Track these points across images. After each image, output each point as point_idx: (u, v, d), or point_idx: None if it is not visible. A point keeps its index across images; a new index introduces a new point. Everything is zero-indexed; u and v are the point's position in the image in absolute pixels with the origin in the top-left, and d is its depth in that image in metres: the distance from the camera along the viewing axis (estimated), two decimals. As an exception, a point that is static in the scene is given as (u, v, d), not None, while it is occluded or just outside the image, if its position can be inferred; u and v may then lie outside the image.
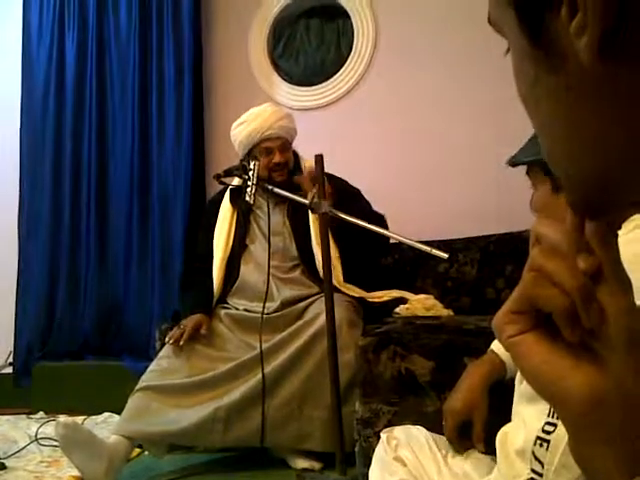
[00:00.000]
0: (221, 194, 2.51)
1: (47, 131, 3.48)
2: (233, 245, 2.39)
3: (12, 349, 3.12)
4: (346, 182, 2.46)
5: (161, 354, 2.23)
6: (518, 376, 0.92)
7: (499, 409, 0.99)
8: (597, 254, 0.35)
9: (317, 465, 2.05)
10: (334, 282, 2.18)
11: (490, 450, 1.01)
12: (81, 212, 3.43)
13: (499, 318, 0.39)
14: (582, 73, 0.29)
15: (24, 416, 2.96)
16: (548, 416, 0.78)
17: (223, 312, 2.31)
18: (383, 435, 1.11)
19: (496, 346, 1.14)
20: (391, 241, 2.22)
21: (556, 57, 0.30)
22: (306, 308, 2.23)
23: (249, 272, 2.35)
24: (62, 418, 1.92)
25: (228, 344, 2.24)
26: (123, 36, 3.46)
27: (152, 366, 2.21)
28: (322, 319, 1.97)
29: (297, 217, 2.32)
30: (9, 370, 3.00)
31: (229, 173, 2.22)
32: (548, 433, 0.77)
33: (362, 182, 2.53)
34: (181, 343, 2.16)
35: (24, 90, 3.53)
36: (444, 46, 3.10)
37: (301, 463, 2.07)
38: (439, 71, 3.10)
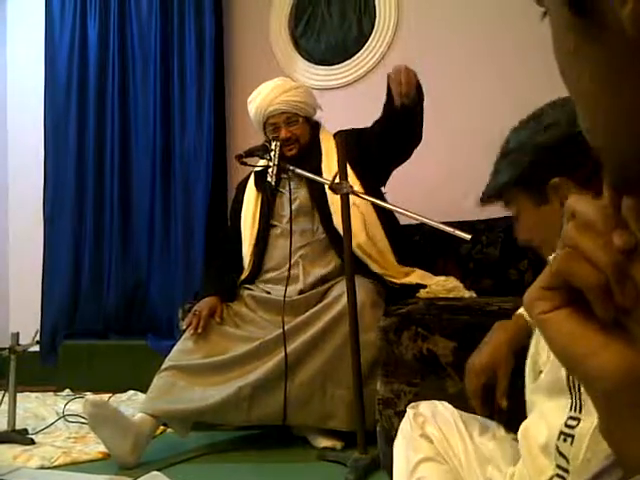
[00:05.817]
0: (248, 177, 2.51)
1: (70, 114, 3.51)
2: (259, 227, 2.38)
3: (39, 328, 3.18)
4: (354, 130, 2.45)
5: (186, 334, 2.25)
6: (528, 366, 0.91)
7: (523, 372, 0.98)
8: (633, 230, 0.35)
9: (338, 444, 2.06)
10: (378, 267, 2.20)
11: (513, 429, 1.01)
12: (104, 193, 3.47)
13: (531, 294, 0.38)
14: (624, 43, 0.28)
15: (51, 393, 3.03)
16: (571, 410, 0.77)
17: (247, 293, 2.33)
18: (410, 410, 1.10)
19: (523, 310, 1.13)
20: (413, 222, 2.20)
21: (598, 26, 0.29)
22: (328, 290, 2.24)
23: (276, 252, 2.35)
24: (90, 396, 1.96)
25: (252, 325, 2.26)
26: (144, 17, 3.46)
27: (178, 346, 2.24)
28: (344, 300, 1.97)
29: (321, 195, 2.28)
30: (36, 349, 3.06)
31: (250, 154, 2.22)
32: (572, 427, 0.76)
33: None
34: (199, 331, 2.19)
35: (47, 72, 3.56)
36: (469, 24, 3.04)
37: (322, 442, 2.09)
38: (463, 51, 3.05)
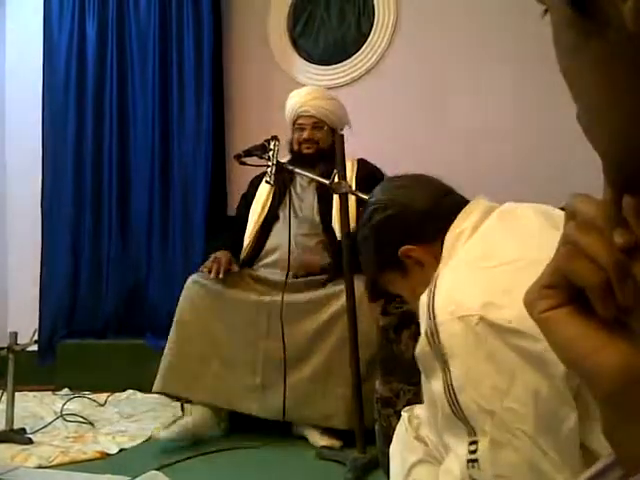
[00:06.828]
0: (265, 172, 2.58)
1: (69, 114, 3.49)
2: (267, 215, 2.50)
3: (37, 327, 3.17)
4: (377, 169, 2.51)
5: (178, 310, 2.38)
6: (427, 406, 0.91)
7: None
8: (634, 229, 0.35)
9: (337, 443, 2.07)
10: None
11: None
12: (103, 193, 3.46)
13: (531, 293, 0.38)
14: (626, 40, 0.28)
15: (49, 393, 3.02)
16: (469, 436, 0.77)
17: (247, 272, 2.42)
18: (404, 414, 1.10)
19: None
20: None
21: (599, 23, 0.29)
22: (327, 282, 2.31)
23: (275, 239, 2.45)
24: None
25: (255, 292, 2.35)
26: (143, 17, 3.45)
27: (172, 332, 2.36)
28: (344, 296, 1.99)
29: (326, 193, 2.35)
30: (34, 348, 3.05)
31: (249, 153, 2.23)
32: (474, 452, 0.76)
33: (379, 158, 2.54)
34: (220, 276, 2.27)
35: (46, 75, 3.53)
36: (468, 24, 3.04)
37: (321, 441, 2.10)
38: (462, 51, 3.06)
